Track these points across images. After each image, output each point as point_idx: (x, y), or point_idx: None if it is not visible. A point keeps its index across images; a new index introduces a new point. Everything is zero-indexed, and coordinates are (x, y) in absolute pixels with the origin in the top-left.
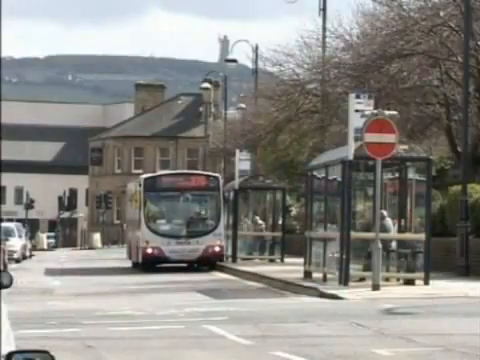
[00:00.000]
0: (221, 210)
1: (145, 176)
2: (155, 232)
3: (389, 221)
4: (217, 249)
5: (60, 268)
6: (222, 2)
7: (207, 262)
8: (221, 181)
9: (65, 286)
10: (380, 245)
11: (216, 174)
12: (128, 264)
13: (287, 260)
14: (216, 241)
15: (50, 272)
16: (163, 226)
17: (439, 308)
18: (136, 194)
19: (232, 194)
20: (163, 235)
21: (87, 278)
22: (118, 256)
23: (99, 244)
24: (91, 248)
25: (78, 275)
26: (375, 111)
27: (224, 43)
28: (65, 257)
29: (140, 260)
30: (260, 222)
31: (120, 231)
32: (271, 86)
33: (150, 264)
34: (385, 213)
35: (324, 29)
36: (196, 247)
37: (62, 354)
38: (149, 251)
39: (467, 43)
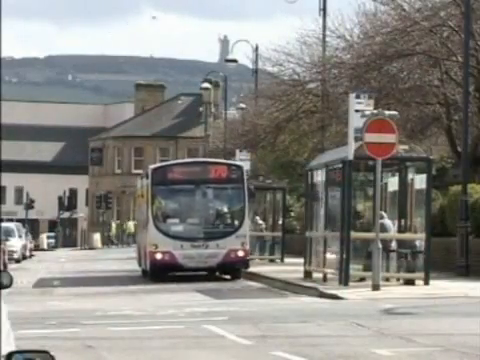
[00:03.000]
0: (245, 206)
1: (154, 166)
2: (165, 234)
3: (388, 221)
4: (241, 254)
5: (59, 278)
6: (222, 3)
7: (229, 269)
8: (245, 171)
9: (65, 285)
10: (380, 245)
11: (239, 163)
12: (130, 265)
13: (287, 260)
14: (240, 244)
15: (46, 282)
16: (175, 226)
17: (439, 308)
18: (143, 188)
19: None
20: (175, 237)
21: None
22: (119, 256)
23: (99, 244)
24: (91, 248)
25: (80, 286)
26: (375, 111)
27: (224, 43)
28: (65, 258)
29: (148, 267)
30: (260, 222)
31: (120, 231)
32: (271, 86)
33: (160, 272)
34: (384, 214)
35: (324, 29)
36: (215, 251)
37: (62, 354)
38: (158, 257)
39: (467, 43)
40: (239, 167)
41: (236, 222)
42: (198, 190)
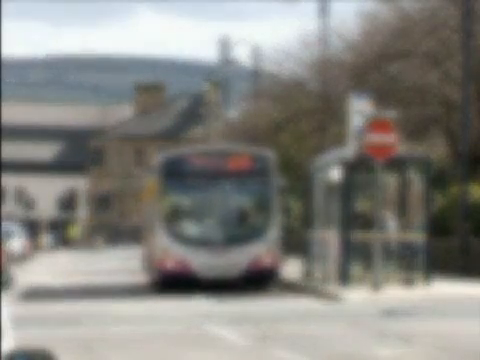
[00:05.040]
0: (273, 205)
1: (164, 156)
2: (178, 237)
3: (391, 223)
4: (268, 262)
5: (59, 278)
6: (222, 3)
7: (255, 280)
8: (274, 163)
9: (65, 286)
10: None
11: (266, 153)
12: (128, 265)
13: (287, 260)
14: (267, 250)
15: (46, 283)
16: (190, 229)
17: (439, 308)
18: (150, 182)
19: None
20: (190, 242)
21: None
22: (119, 256)
23: (99, 245)
24: (91, 249)
25: (80, 286)
26: (375, 111)
27: (224, 43)
28: (65, 258)
29: (156, 278)
30: None
31: (84, 233)
32: (271, 86)
33: (171, 284)
34: (390, 216)
35: (324, 29)
36: (238, 259)
37: (62, 354)
38: (169, 265)
39: (467, 43)
40: (265, 158)
41: (263, 223)
42: (217, 185)
